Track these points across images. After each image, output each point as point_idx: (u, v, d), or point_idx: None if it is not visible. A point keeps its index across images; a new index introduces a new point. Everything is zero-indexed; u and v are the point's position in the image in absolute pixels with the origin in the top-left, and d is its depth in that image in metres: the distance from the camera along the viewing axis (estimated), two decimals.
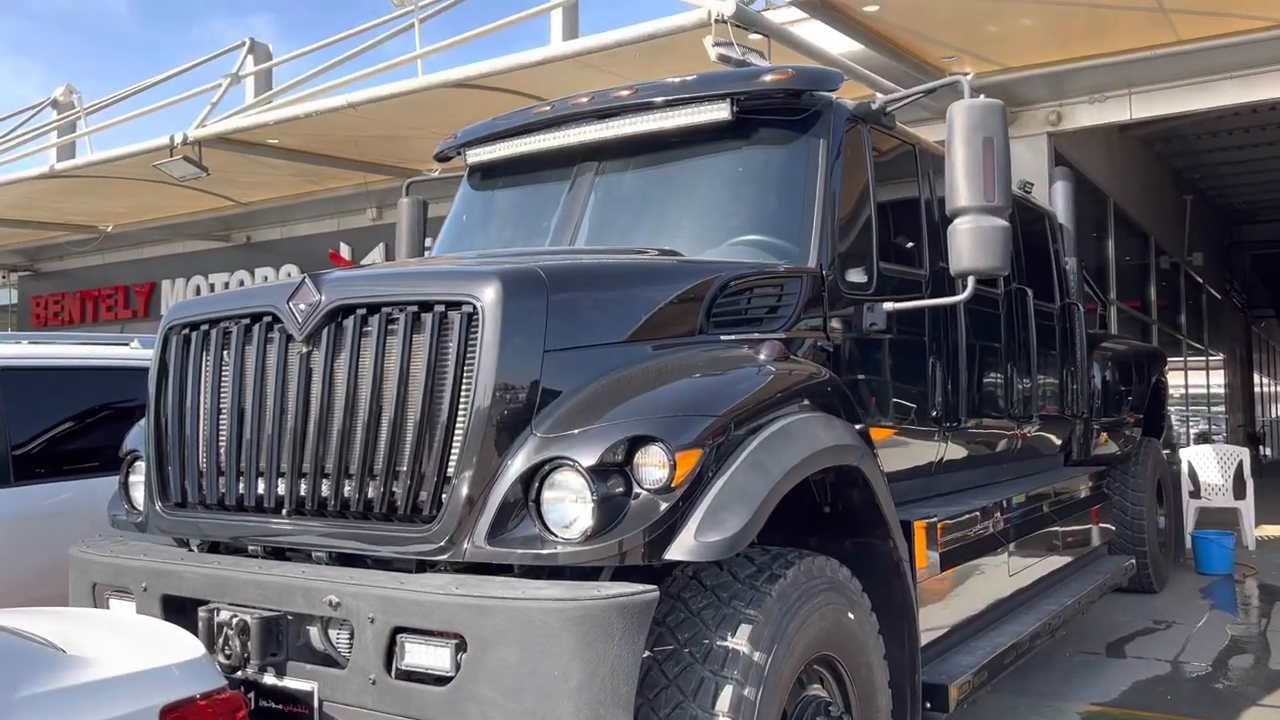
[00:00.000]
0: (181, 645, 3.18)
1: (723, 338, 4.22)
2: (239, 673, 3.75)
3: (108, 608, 4.33)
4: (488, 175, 6.01)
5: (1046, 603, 6.33)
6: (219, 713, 2.98)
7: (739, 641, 3.47)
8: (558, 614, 3.19)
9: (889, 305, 4.98)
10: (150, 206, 16.83)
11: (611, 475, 3.45)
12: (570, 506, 3.46)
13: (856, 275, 4.99)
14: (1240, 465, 12.29)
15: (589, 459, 3.43)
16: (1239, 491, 12.21)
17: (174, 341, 4.44)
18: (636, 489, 3.45)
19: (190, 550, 4.38)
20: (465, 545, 3.52)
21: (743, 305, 4.41)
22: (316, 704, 3.61)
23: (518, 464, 3.54)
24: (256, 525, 4.04)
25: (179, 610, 4.11)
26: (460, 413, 3.60)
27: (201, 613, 3.85)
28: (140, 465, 4.67)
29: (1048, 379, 7.51)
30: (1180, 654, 7.73)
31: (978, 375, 6.17)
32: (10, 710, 2.53)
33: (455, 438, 3.60)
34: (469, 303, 3.63)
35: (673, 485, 3.41)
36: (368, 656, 3.48)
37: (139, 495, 4.65)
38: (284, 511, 3.96)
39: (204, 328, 4.36)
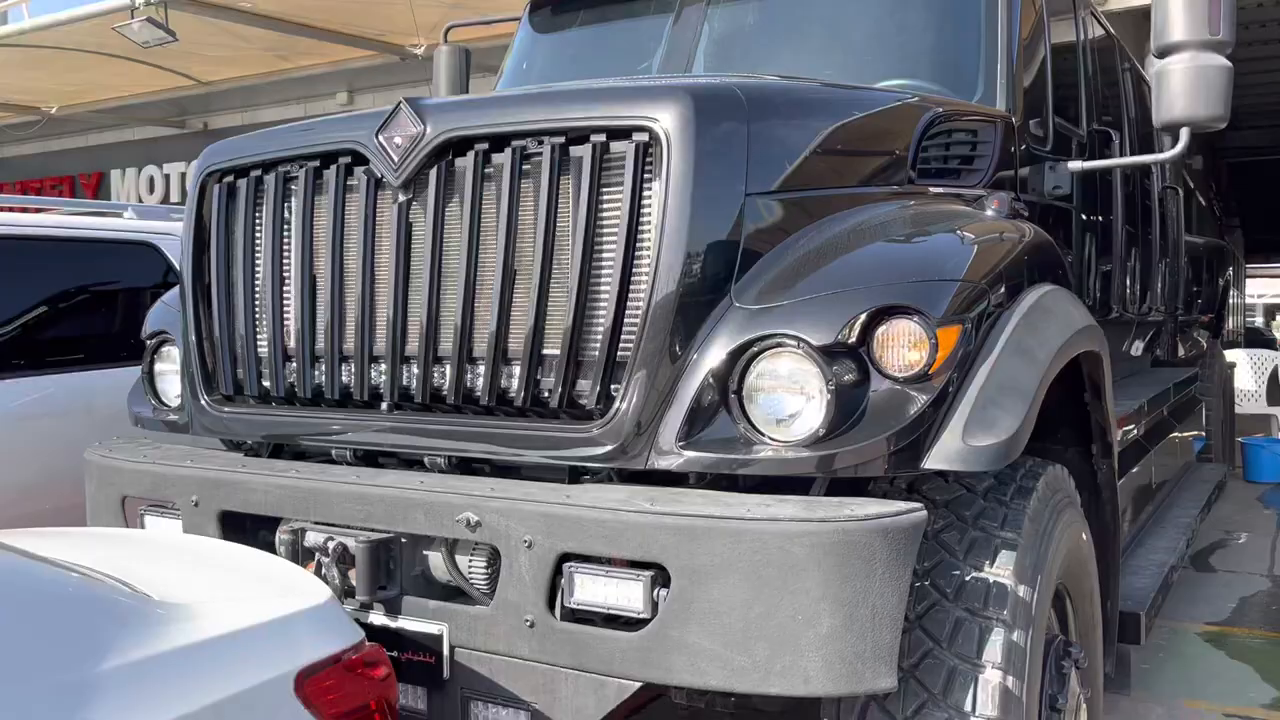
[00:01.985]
0: (296, 584, 2.34)
1: (933, 189, 3.37)
2: None
3: (141, 527, 3.45)
4: (559, 10, 5.01)
5: (1177, 514, 5.70)
6: (363, 674, 2.16)
7: (1000, 572, 2.71)
8: (804, 540, 2.39)
9: (1075, 165, 4.16)
10: (98, 85, 15.33)
11: (845, 358, 2.62)
12: (789, 400, 2.64)
13: (1036, 129, 4.14)
14: (1275, 371, 11.86)
15: (818, 336, 2.60)
16: (1273, 398, 11.80)
17: (215, 193, 3.48)
18: (879, 377, 2.63)
19: (246, 456, 3.49)
20: (644, 450, 2.69)
21: (943, 152, 3.55)
22: (447, 651, 2.80)
23: (715, 345, 2.70)
24: (345, 423, 3.17)
25: (239, 531, 3.25)
26: (635, 278, 2.74)
27: (283, 534, 2.99)
28: (169, 351, 3.75)
29: (1154, 271, 6.79)
30: (1273, 567, 7.24)
31: (1113, 260, 5.41)
32: (94, 689, 1.69)
33: (628, 311, 2.74)
34: (646, 128, 2.73)
35: (930, 373, 2.59)
36: (522, 591, 2.66)
37: (168, 387, 3.73)
38: (383, 405, 3.08)
39: (256, 174, 3.41)
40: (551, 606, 2.65)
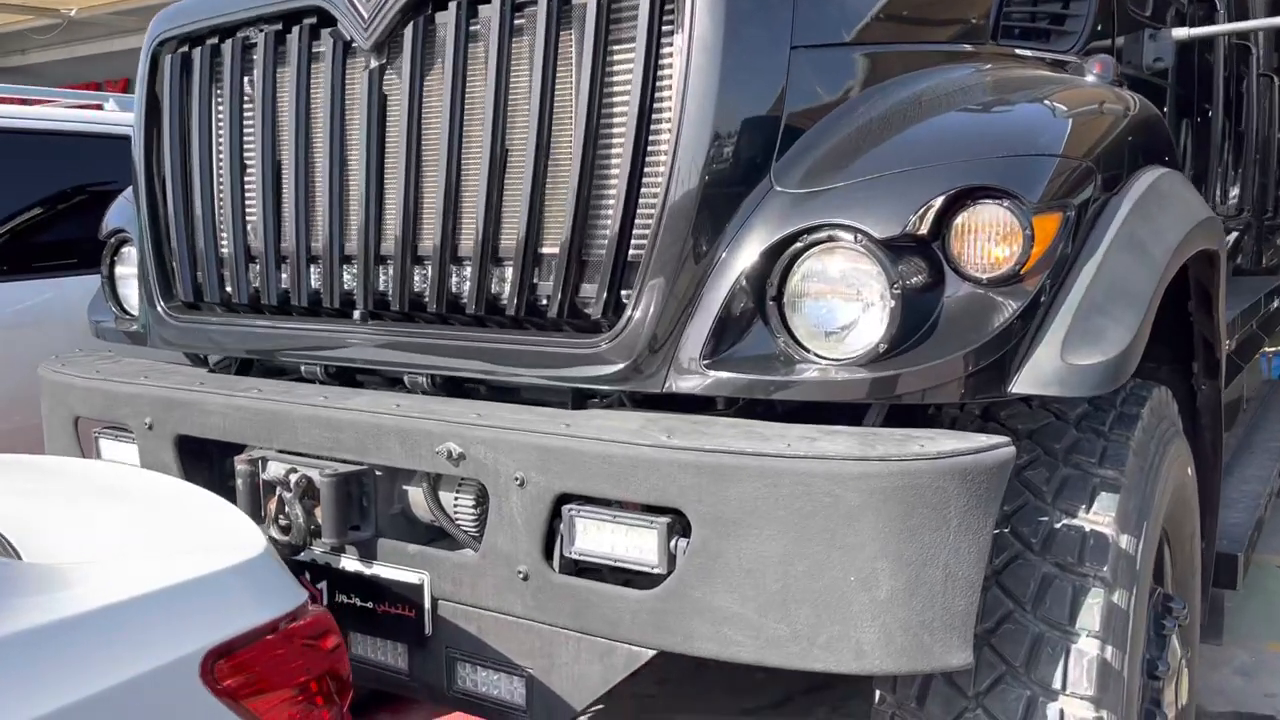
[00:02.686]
0: (225, 528, 1.89)
1: (1017, 51, 2.77)
2: (302, 554, 2.49)
3: (97, 454, 3.03)
4: None
5: (1265, 439, 5.13)
6: (304, 647, 1.72)
7: (1098, 519, 2.20)
8: (860, 483, 1.89)
9: (1180, 32, 3.51)
10: None
11: (913, 255, 2.09)
12: (842, 307, 2.12)
13: None
14: None
15: (880, 226, 2.07)
16: None
17: (167, 65, 2.97)
18: (956, 278, 2.09)
19: (211, 372, 3.05)
20: (661, 370, 2.19)
21: (1031, 9, 2.94)
22: (428, 603, 2.36)
23: (750, 239, 2.17)
24: (314, 335, 2.70)
25: (200, 459, 2.82)
26: (651, 157, 2.21)
27: (240, 464, 2.55)
28: (130, 252, 3.29)
29: (1245, 168, 6.09)
30: None
31: (1209, 152, 4.74)
32: None
33: (643, 199, 2.22)
34: None
35: (1021, 273, 2.06)
36: (513, 538, 2.21)
37: (130, 293, 3.28)
38: (356, 315, 2.61)
39: (212, 41, 2.89)
40: (549, 556, 2.19)
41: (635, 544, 2.09)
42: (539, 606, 2.20)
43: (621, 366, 2.21)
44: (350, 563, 2.47)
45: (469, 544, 2.36)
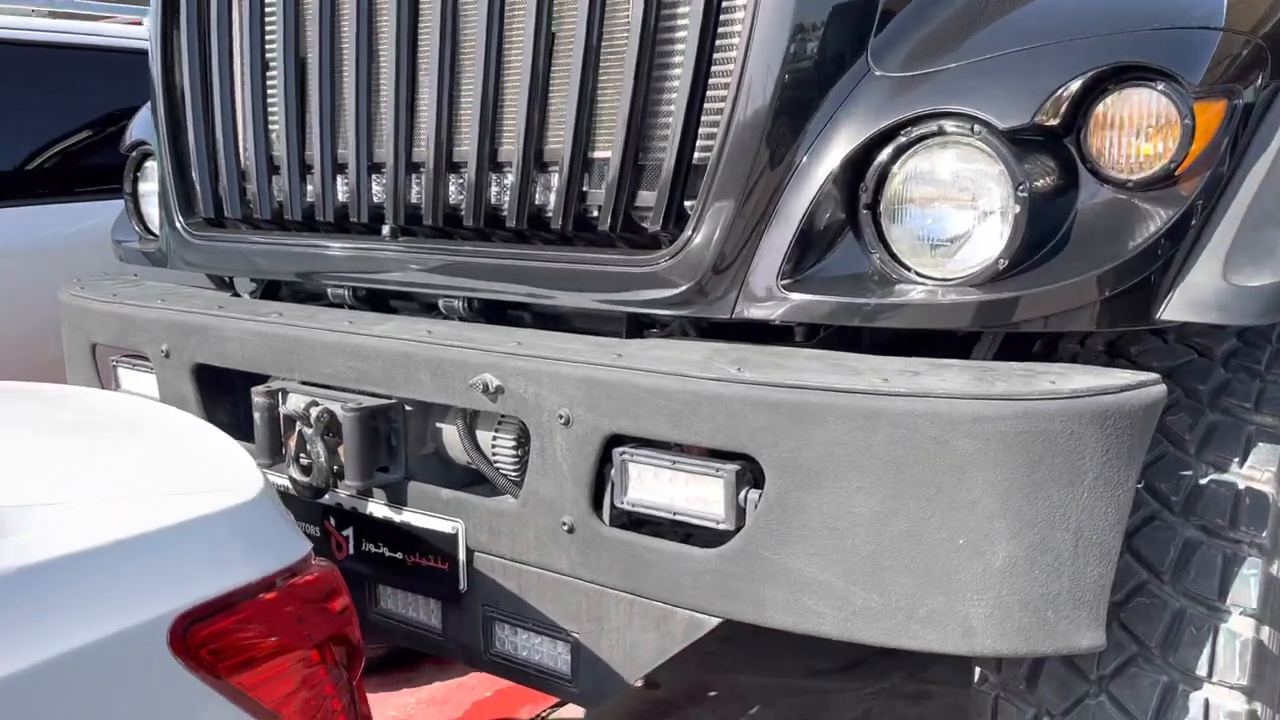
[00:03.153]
0: (221, 468, 1.62)
1: None
2: (325, 497, 2.23)
3: (116, 384, 2.80)
4: None
5: None
6: (299, 611, 1.44)
7: (1255, 475, 1.83)
8: (974, 427, 1.55)
9: None
10: None
11: (1042, 151, 1.72)
12: (954, 216, 1.77)
13: None
14: None
15: (1002, 115, 1.70)
16: None
17: None
18: (1093, 181, 1.72)
19: (236, 295, 2.79)
20: (731, 292, 1.86)
21: None
22: (463, 555, 2.08)
23: (841, 134, 1.81)
24: (341, 254, 2.41)
25: (222, 392, 2.57)
26: (723, 34, 1.86)
27: (257, 397, 2.29)
28: (152, 167, 3.02)
29: None
30: None
31: None
32: None
33: (710, 90, 1.87)
34: None
35: (1176, 173, 1.67)
36: (558, 484, 1.91)
37: (154, 211, 3.02)
38: (385, 230, 2.31)
39: None
40: (598, 506, 1.89)
41: (698, 495, 1.77)
42: (586, 563, 1.90)
43: (684, 289, 1.89)
44: (378, 508, 2.20)
45: (509, 490, 2.08)
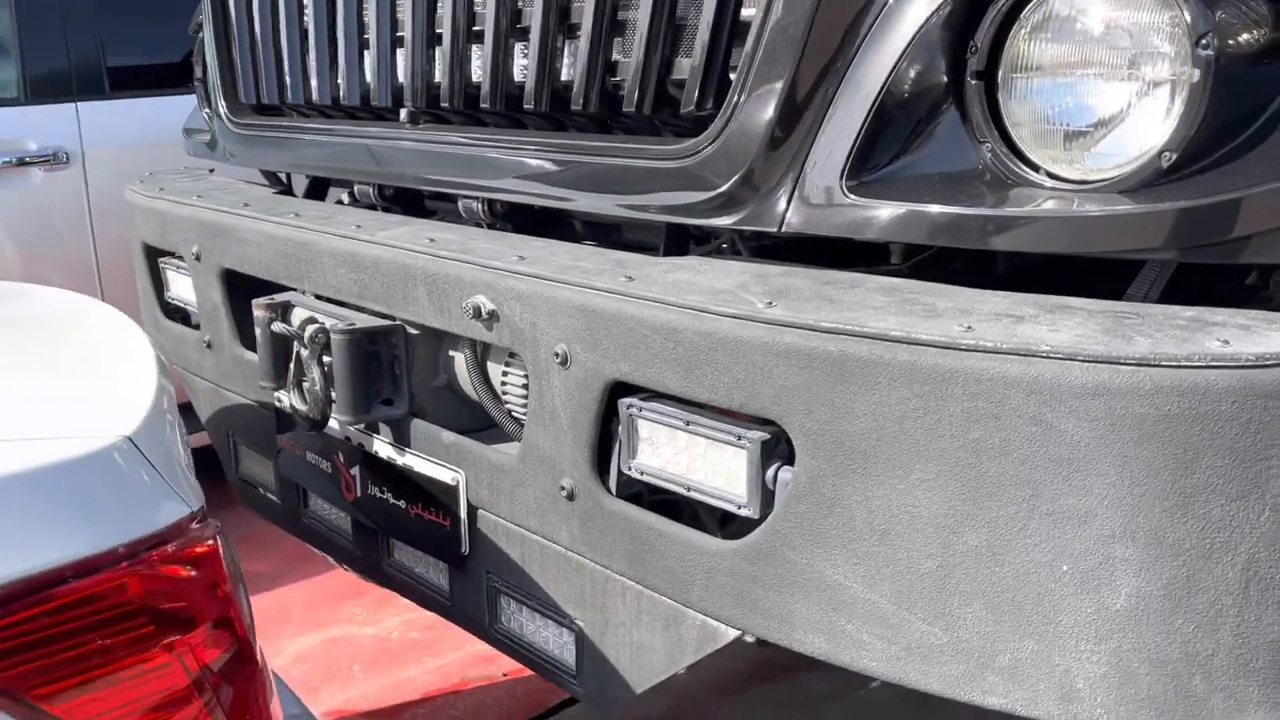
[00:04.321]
0: (94, 406, 1.30)
1: None
2: (328, 429, 1.92)
3: (166, 287, 2.59)
4: None
5: None
6: (139, 599, 1.12)
7: None
8: (1095, 403, 1.03)
9: None
10: None
11: None
12: (1099, 91, 1.21)
13: None
14: None
15: None
16: None
17: None
18: None
19: (285, 194, 2.50)
20: (779, 195, 1.37)
21: None
22: (464, 512, 1.73)
23: None
24: (360, 143, 2.05)
25: (253, 296, 2.29)
26: None
27: (258, 310, 1.99)
28: None
29: None
30: None
31: None
32: None
33: None
34: None
35: None
36: (556, 437, 1.51)
37: None
38: (403, 114, 1.93)
39: None
40: (603, 471, 1.48)
41: (716, 467, 1.33)
42: (587, 539, 1.50)
43: (722, 189, 1.41)
44: (383, 447, 1.87)
45: (516, 437, 1.69)
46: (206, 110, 2.80)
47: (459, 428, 1.80)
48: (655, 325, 1.32)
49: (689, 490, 1.37)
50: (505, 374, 1.71)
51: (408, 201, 2.13)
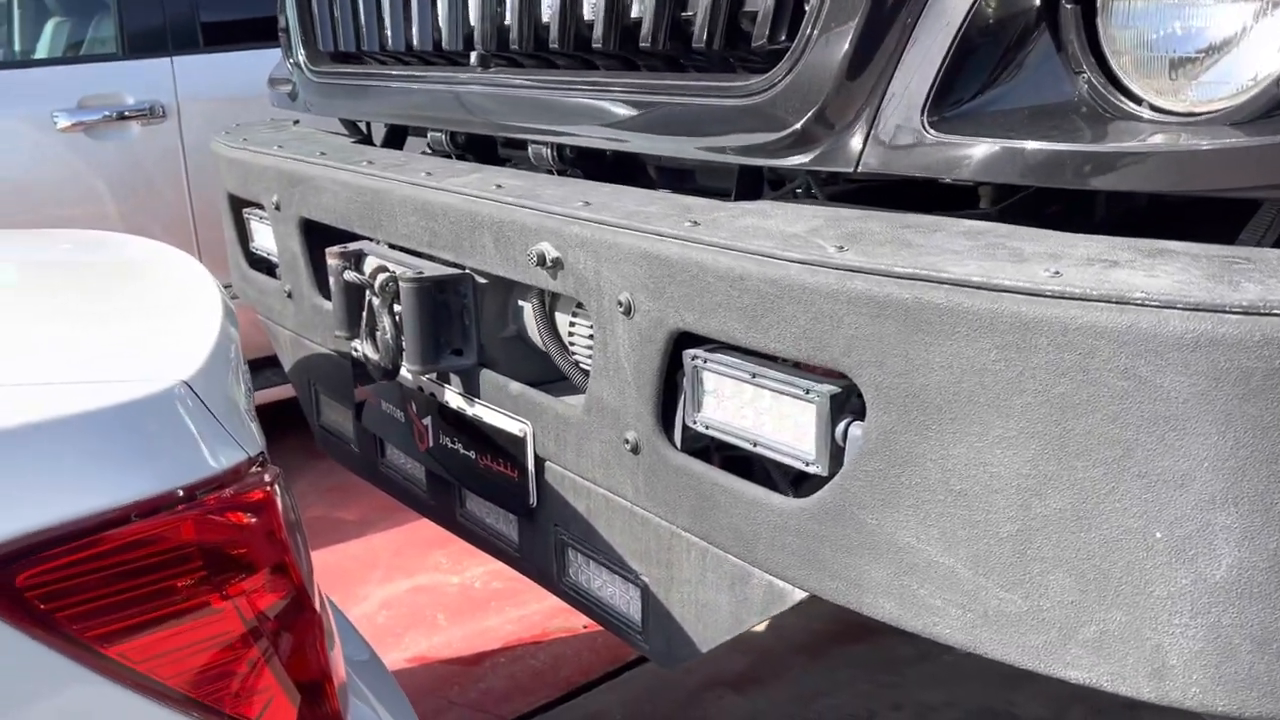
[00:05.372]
0: (154, 350, 1.31)
1: None
2: (396, 378, 1.91)
3: (250, 238, 2.62)
4: None
5: None
6: (194, 542, 1.12)
7: None
8: (1196, 355, 0.94)
9: None
10: None
11: None
12: (1212, 10, 1.09)
13: None
14: None
15: None
16: None
17: None
18: None
19: (364, 143, 2.49)
20: (855, 132, 1.28)
21: None
22: (531, 464, 1.70)
23: None
24: (431, 89, 2.02)
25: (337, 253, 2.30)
26: None
27: (331, 259, 1.98)
28: None
29: None
30: None
31: None
32: None
33: None
34: None
35: None
36: (620, 389, 1.46)
37: None
38: (472, 56, 1.89)
39: None
40: (668, 424, 1.43)
41: (783, 422, 1.27)
42: (651, 493, 1.46)
43: (794, 128, 1.33)
44: (453, 397, 1.86)
45: (583, 388, 1.65)
46: (290, 60, 2.81)
47: (529, 379, 1.77)
48: (720, 272, 1.25)
49: (755, 445, 1.31)
50: (572, 324, 1.66)
51: (481, 148, 2.09)
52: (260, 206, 2.46)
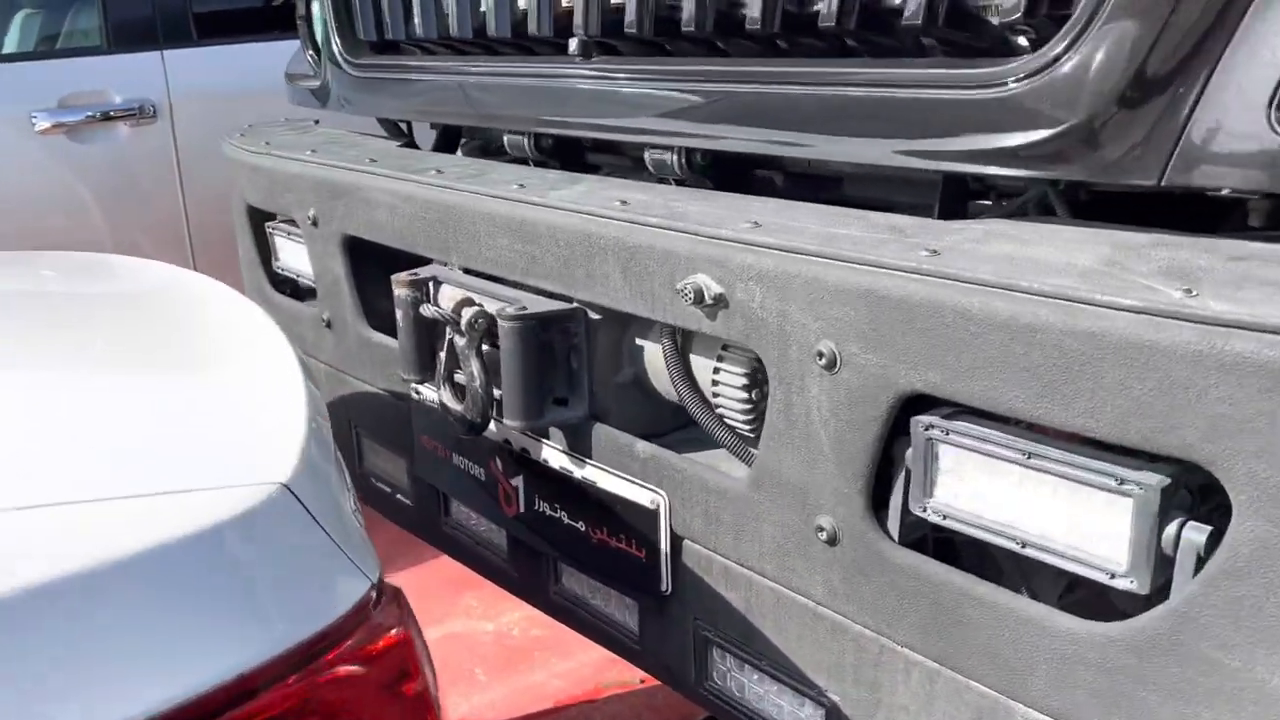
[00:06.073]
0: (224, 425, 0.97)
1: None
2: (486, 432, 1.58)
3: (275, 255, 2.27)
4: None
5: None
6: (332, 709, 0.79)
7: None
8: None
9: None
10: None
11: None
12: None
13: None
14: None
15: None
16: None
17: None
18: None
19: (408, 146, 2.16)
20: (1162, 135, 0.97)
21: None
22: (665, 543, 1.38)
23: None
24: (517, 84, 1.69)
25: (384, 270, 1.96)
26: None
27: (399, 288, 1.64)
28: None
29: None
30: None
31: None
32: None
33: None
34: None
35: None
36: (811, 462, 1.14)
37: None
38: (572, 45, 1.55)
39: None
40: (878, 508, 1.11)
41: (1075, 518, 0.95)
42: (854, 595, 1.14)
43: (1061, 129, 1.01)
44: (555, 455, 1.53)
45: (735, 452, 1.33)
46: (311, 52, 2.46)
47: (642, 431, 1.45)
48: (993, 320, 0.94)
49: (1023, 546, 1.00)
50: (719, 370, 1.34)
51: (563, 153, 1.77)
52: (289, 221, 2.12)
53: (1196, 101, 0.94)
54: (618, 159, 1.76)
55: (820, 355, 1.09)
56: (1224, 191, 0.94)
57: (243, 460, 0.90)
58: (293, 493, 0.86)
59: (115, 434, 0.92)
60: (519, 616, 3.17)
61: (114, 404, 1.00)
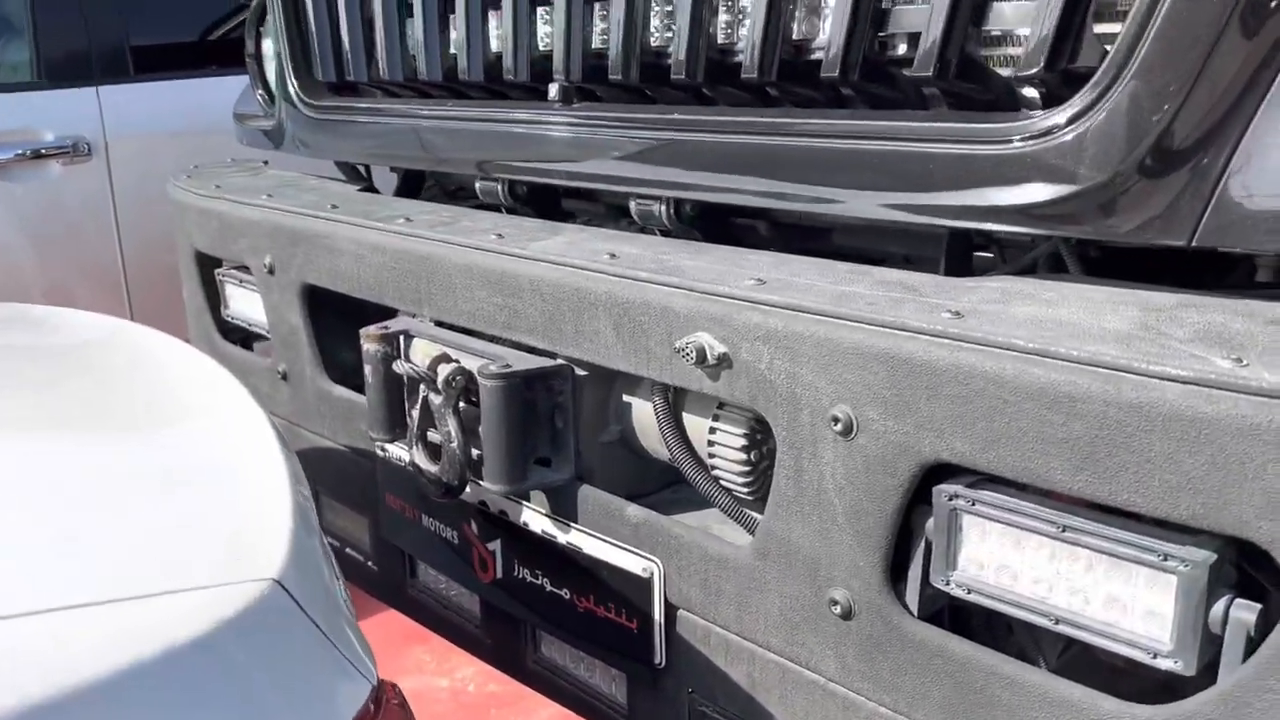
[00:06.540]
0: (194, 512, 0.88)
1: None
2: (462, 495, 1.50)
3: (224, 303, 2.16)
4: None
5: None
6: None
7: None
8: None
9: None
10: None
11: None
12: None
13: None
14: None
15: None
16: None
17: None
18: None
19: (368, 190, 2.07)
20: (1194, 190, 0.94)
21: None
22: (658, 613, 1.31)
23: None
24: (493, 129, 1.62)
25: (346, 322, 1.87)
26: None
27: (368, 343, 1.55)
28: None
29: None
30: None
31: None
32: None
33: None
34: None
35: None
36: (825, 532, 1.08)
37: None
38: (552, 90, 1.50)
39: None
40: (894, 580, 1.06)
41: (1112, 595, 0.91)
42: (870, 673, 1.08)
43: (1085, 186, 0.98)
44: (536, 518, 1.45)
45: (735, 518, 1.27)
46: (261, 91, 2.37)
47: (628, 491, 1.38)
48: (1028, 388, 0.89)
49: (1056, 623, 0.95)
50: (714, 430, 1.28)
51: (537, 201, 1.70)
52: (241, 267, 2.02)
53: (1228, 161, 0.92)
54: (594, 206, 1.71)
55: (835, 420, 1.04)
56: (1261, 254, 0.91)
57: (225, 549, 0.81)
58: (284, 587, 0.78)
59: (77, 525, 0.83)
60: (473, 671, 3.05)
61: (70, 487, 0.90)
